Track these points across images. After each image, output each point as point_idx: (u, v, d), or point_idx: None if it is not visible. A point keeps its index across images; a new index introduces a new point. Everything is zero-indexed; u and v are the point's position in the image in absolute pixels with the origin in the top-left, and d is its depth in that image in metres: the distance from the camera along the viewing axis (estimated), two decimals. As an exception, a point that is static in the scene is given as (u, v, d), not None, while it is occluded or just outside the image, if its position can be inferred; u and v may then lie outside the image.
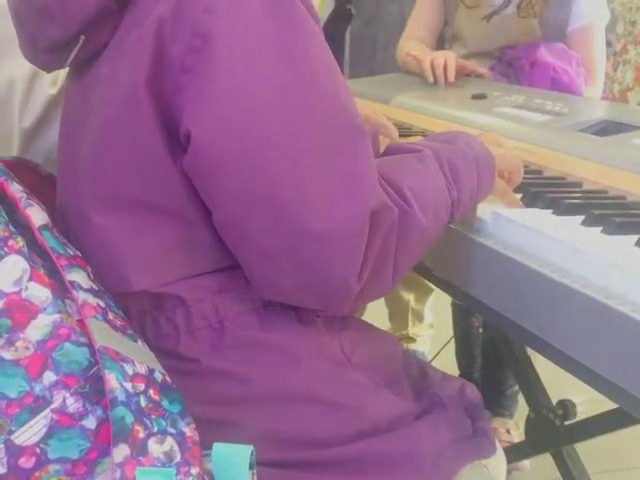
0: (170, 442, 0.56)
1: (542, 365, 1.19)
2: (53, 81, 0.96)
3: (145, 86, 0.63)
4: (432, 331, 2.22)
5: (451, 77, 1.53)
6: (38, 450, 0.53)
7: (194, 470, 0.55)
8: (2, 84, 0.94)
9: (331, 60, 0.66)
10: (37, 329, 0.55)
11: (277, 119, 0.61)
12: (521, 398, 1.59)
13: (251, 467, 0.57)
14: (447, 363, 1.74)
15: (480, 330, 1.81)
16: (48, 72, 0.78)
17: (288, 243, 0.62)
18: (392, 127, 1.05)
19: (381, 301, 2.17)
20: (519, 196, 0.89)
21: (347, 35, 2.26)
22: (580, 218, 0.80)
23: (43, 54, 0.72)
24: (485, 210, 0.85)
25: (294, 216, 0.61)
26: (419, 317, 2.19)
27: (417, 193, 0.69)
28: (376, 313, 1.93)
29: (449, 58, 1.55)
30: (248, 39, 0.61)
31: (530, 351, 1.39)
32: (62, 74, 0.96)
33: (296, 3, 0.63)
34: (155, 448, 0.54)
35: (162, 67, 0.62)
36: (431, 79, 1.55)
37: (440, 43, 1.78)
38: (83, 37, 0.67)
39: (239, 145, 0.61)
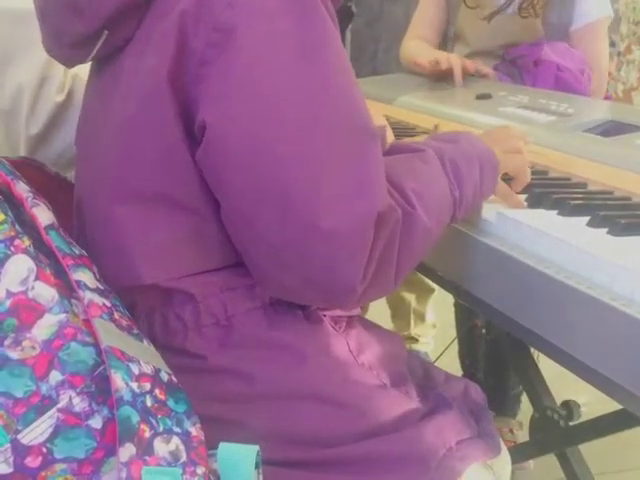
0: (176, 442, 0.56)
1: (546, 365, 1.19)
2: (60, 88, 0.96)
3: (167, 79, 0.63)
4: (435, 331, 2.22)
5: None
6: (44, 449, 0.53)
7: (200, 470, 0.55)
8: (10, 91, 0.94)
9: (347, 61, 0.66)
10: (43, 329, 0.56)
11: (292, 115, 0.62)
12: (525, 398, 1.58)
13: (257, 467, 0.57)
14: (450, 363, 1.74)
15: (483, 330, 1.81)
16: (70, 67, 0.79)
17: (295, 239, 0.62)
18: (389, 129, 1.05)
19: (383, 302, 2.17)
20: (524, 197, 0.89)
21: (348, 33, 2.26)
22: (585, 219, 0.80)
23: (67, 49, 0.72)
24: (490, 211, 0.85)
25: (303, 212, 0.61)
26: (421, 317, 2.20)
27: (420, 194, 0.69)
28: (379, 314, 1.93)
29: (455, 64, 1.54)
30: (268, 35, 0.62)
31: (534, 351, 1.39)
32: (69, 81, 0.97)
33: (316, 3, 0.64)
34: (161, 448, 0.55)
35: (183, 60, 0.63)
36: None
37: (443, 42, 1.78)
38: (107, 32, 0.68)
39: (252, 139, 0.62)
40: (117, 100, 0.69)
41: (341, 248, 0.62)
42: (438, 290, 2.08)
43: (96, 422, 0.55)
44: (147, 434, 0.54)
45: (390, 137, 1.01)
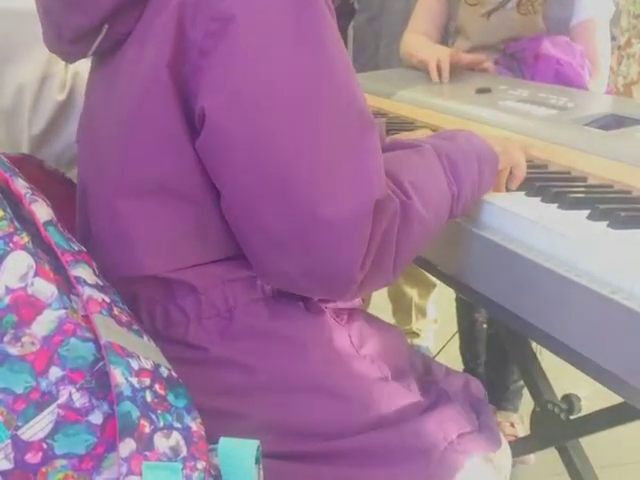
0: (176, 437, 0.56)
1: (547, 359, 1.19)
2: (61, 86, 0.96)
3: (167, 70, 0.64)
4: (436, 326, 2.22)
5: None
6: (45, 445, 0.53)
7: (200, 465, 0.55)
8: (12, 91, 0.94)
9: (345, 52, 0.67)
10: (43, 324, 0.55)
11: (290, 104, 0.62)
12: (526, 392, 1.59)
13: (257, 462, 0.57)
14: (451, 358, 1.74)
15: (484, 325, 1.81)
16: (70, 62, 0.79)
17: (294, 227, 0.62)
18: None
19: (385, 296, 2.18)
20: (522, 192, 0.89)
21: (350, 30, 2.26)
22: (585, 212, 0.80)
23: (68, 45, 0.72)
24: (489, 204, 0.84)
25: (302, 200, 0.62)
26: (422, 312, 2.20)
27: (417, 187, 0.70)
28: (380, 308, 1.93)
29: (455, 58, 1.54)
30: (266, 25, 0.62)
31: (535, 345, 1.39)
32: (70, 79, 0.97)
33: None
34: (161, 443, 0.55)
35: (182, 50, 0.63)
36: (436, 79, 1.54)
37: (444, 36, 1.77)
38: (107, 26, 0.68)
39: (251, 127, 0.62)
40: (118, 93, 0.69)
41: (340, 235, 0.62)
42: (439, 284, 2.08)
43: (96, 418, 0.55)
44: (147, 429, 0.54)
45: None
